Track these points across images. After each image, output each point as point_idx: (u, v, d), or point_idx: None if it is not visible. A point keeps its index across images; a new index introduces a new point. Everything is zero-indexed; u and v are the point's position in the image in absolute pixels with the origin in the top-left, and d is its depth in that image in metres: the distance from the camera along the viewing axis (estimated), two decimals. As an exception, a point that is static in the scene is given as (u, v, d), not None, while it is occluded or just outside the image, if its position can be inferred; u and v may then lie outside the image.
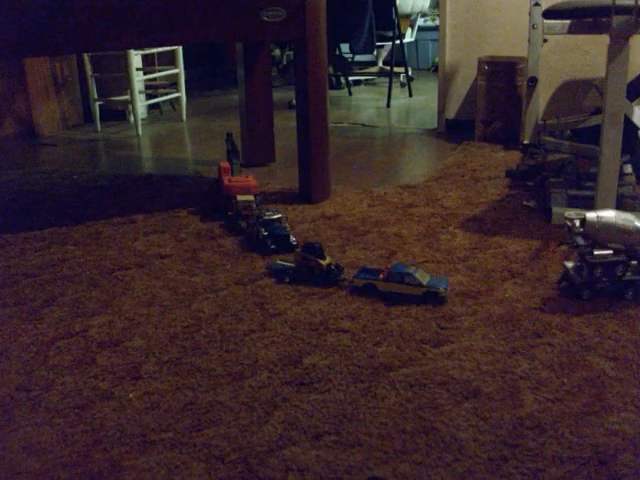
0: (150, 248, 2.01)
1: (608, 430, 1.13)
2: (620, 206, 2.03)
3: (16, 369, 1.38)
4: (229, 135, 2.57)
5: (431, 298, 1.59)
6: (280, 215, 2.03)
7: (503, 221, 2.13)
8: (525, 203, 2.28)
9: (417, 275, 1.60)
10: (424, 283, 1.60)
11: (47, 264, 1.91)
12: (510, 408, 1.20)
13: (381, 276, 1.63)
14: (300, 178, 2.42)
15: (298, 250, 1.75)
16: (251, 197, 2.15)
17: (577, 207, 2.09)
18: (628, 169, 2.24)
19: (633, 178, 2.22)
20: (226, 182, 2.20)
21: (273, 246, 1.92)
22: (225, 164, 2.30)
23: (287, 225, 2.01)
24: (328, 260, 1.72)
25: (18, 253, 2.01)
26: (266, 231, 1.94)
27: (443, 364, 1.34)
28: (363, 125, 3.81)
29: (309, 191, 2.37)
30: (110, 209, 2.39)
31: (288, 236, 1.94)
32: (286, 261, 1.80)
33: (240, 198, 2.13)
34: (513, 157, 2.90)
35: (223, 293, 1.70)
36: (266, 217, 2.01)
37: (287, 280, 1.73)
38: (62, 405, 1.25)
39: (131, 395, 1.28)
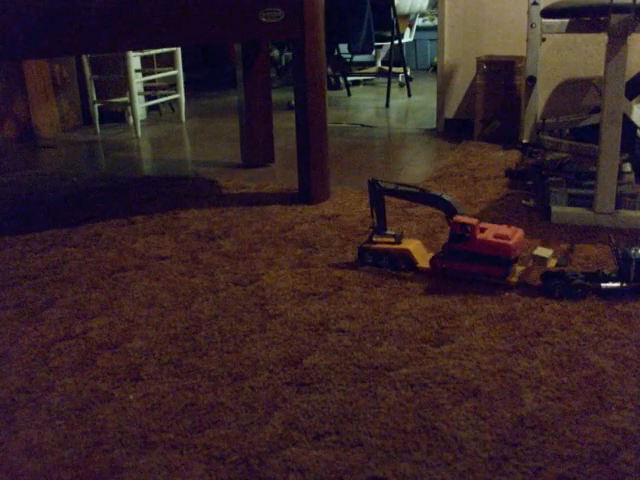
0: (150, 249, 2.01)
1: (608, 428, 1.13)
2: (620, 205, 2.03)
3: (16, 371, 1.38)
4: (375, 182, 1.84)
5: None
6: None
7: (502, 220, 2.13)
8: (524, 202, 2.28)
9: None
10: None
11: (47, 266, 1.91)
12: (510, 407, 1.20)
13: None
14: (299, 179, 2.42)
15: None
16: (548, 250, 1.70)
17: (577, 206, 2.09)
18: (627, 168, 2.24)
19: (632, 177, 2.22)
20: (501, 241, 1.67)
21: None
22: (469, 219, 1.70)
23: None
24: None
25: (18, 255, 2.01)
26: None
27: (443, 363, 1.34)
28: (362, 125, 3.81)
29: (308, 191, 2.37)
30: (109, 211, 2.39)
31: None
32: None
33: (539, 253, 1.68)
34: (512, 156, 2.90)
35: (223, 294, 1.70)
36: None
37: None
38: (62, 407, 1.25)
39: (131, 396, 1.28)
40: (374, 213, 1.86)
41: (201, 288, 1.73)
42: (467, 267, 1.71)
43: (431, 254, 1.79)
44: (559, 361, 1.34)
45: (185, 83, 4.11)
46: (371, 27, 4.41)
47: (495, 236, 1.68)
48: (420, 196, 1.80)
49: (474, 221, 1.69)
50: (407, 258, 1.78)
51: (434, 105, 3.62)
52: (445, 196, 1.75)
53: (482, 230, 1.71)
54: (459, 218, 1.71)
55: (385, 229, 1.87)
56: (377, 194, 1.84)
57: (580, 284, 1.59)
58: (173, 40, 2.11)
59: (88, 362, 1.40)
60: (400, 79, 5.05)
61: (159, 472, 1.07)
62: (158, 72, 4.02)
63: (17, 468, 1.09)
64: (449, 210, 1.74)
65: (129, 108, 3.89)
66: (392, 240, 1.83)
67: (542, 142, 2.72)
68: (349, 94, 4.89)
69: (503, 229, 1.70)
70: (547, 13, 2.40)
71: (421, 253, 1.80)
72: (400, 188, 1.82)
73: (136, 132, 3.72)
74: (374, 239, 1.85)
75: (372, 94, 4.93)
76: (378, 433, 1.14)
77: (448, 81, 3.49)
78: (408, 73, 4.78)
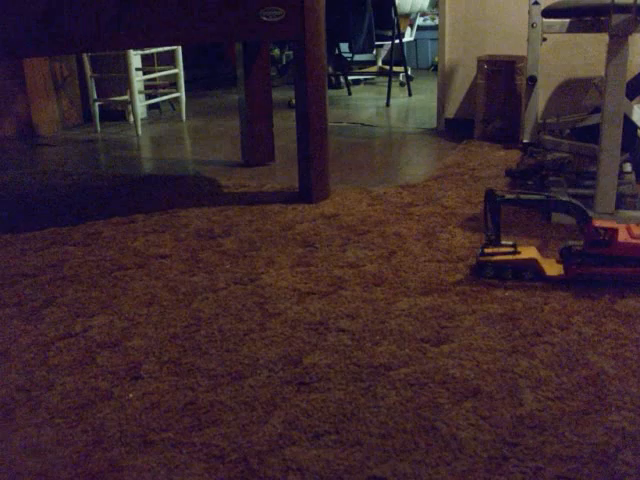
0: (150, 248, 2.01)
1: (608, 428, 1.13)
2: (620, 205, 2.03)
3: (16, 369, 1.38)
4: (493, 192, 1.73)
5: None
6: None
7: (503, 221, 2.13)
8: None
9: None
10: None
11: (47, 264, 1.91)
12: (510, 407, 1.20)
13: None
14: (300, 178, 2.42)
15: None
16: None
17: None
18: (628, 168, 2.24)
19: (633, 177, 2.22)
20: None
21: None
22: (609, 223, 1.66)
23: None
24: None
25: (18, 253, 2.01)
26: None
27: (443, 363, 1.34)
28: (362, 124, 3.81)
29: (309, 191, 2.37)
30: (110, 209, 2.39)
31: None
32: None
33: None
34: (513, 156, 2.90)
35: (223, 293, 1.70)
36: None
37: None
38: (62, 405, 1.25)
39: (131, 395, 1.28)
40: (490, 224, 1.76)
41: (201, 287, 1.73)
42: (606, 271, 1.67)
43: (550, 259, 1.75)
44: (559, 361, 1.34)
45: (185, 82, 4.11)
46: (372, 26, 4.41)
47: (633, 237, 1.64)
48: (547, 203, 1.76)
49: (615, 225, 1.65)
50: (534, 268, 1.72)
51: (435, 104, 3.62)
52: (575, 201, 1.70)
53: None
54: (599, 222, 1.66)
55: (500, 240, 1.77)
56: (495, 204, 1.74)
57: None
58: (173, 39, 2.11)
59: (88, 361, 1.40)
60: (401, 78, 5.06)
61: (158, 471, 1.07)
62: (159, 71, 4.02)
63: (16, 466, 1.09)
64: (582, 215, 1.69)
65: (129, 107, 3.89)
66: (511, 250, 1.75)
67: (543, 142, 2.72)
68: (350, 93, 4.89)
69: (634, 228, 1.66)
70: (548, 13, 2.40)
71: (542, 260, 1.74)
72: (522, 197, 1.75)
73: (136, 131, 3.72)
74: (486, 251, 1.77)
75: (373, 93, 4.93)
76: (377, 433, 1.14)
77: (449, 80, 3.49)
78: (409, 72, 4.79)
